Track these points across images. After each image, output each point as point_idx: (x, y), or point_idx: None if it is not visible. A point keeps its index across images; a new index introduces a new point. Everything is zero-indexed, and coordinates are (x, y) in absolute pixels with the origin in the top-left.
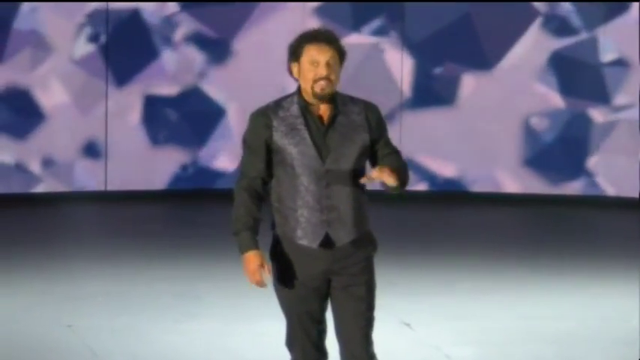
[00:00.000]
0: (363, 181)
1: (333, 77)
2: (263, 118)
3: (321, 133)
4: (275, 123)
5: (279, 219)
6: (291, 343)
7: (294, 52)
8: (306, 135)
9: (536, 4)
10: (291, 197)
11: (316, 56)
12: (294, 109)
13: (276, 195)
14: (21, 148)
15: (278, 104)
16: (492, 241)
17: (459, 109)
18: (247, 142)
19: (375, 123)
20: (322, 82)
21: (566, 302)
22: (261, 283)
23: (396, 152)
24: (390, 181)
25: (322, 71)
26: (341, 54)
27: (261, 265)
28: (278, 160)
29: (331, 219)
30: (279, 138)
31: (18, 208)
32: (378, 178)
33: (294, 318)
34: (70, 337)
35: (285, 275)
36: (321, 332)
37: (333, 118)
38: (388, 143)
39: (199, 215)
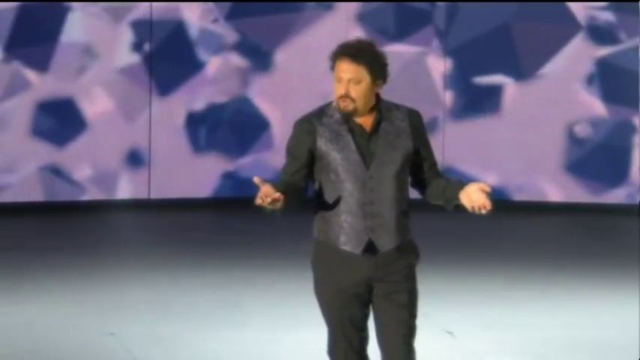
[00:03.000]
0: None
1: (353, 95)
2: (307, 125)
3: (365, 139)
4: (319, 129)
5: (322, 225)
6: (333, 350)
7: (332, 64)
8: (351, 141)
9: (578, 13)
10: (335, 203)
11: (340, 73)
12: (338, 115)
13: (320, 201)
14: (65, 156)
15: (322, 111)
16: (535, 250)
17: (502, 117)
18: (289, 149)
19: (419, 130)
20: (344, 98)
21: (607, 312)
22: (265, 193)
23: (436, 164)
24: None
25: (341, 89)
26: (372, 68)
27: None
28: (322, 166)
29: (374, 225)
30: (324, 144)
31: (62, 216)
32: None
33: (337, 325)
34: (113, 345)
35: (327, 281)
36: (363, 340)
37: (377, 125)
38: (431, 153)
39: (242, 223)
